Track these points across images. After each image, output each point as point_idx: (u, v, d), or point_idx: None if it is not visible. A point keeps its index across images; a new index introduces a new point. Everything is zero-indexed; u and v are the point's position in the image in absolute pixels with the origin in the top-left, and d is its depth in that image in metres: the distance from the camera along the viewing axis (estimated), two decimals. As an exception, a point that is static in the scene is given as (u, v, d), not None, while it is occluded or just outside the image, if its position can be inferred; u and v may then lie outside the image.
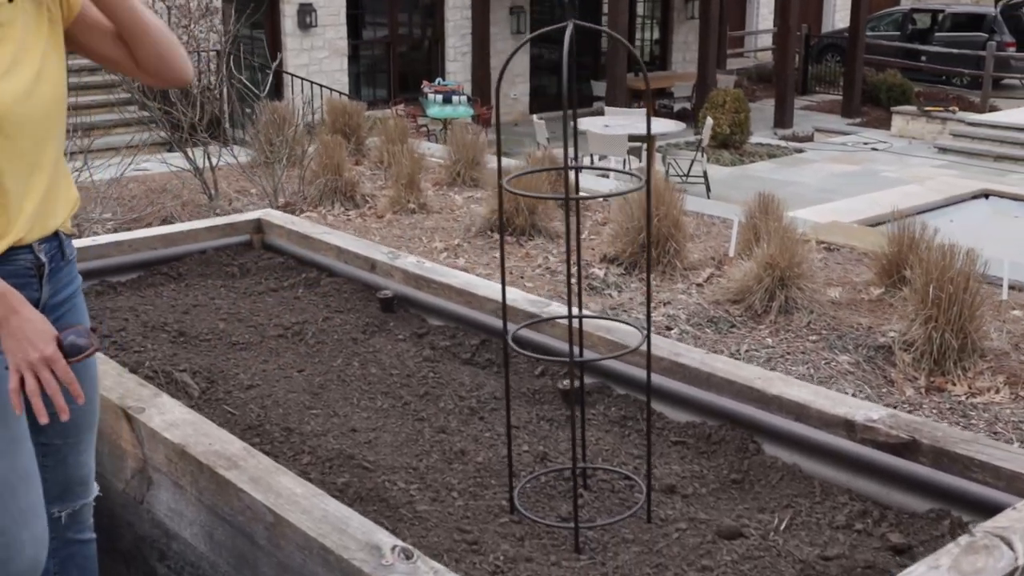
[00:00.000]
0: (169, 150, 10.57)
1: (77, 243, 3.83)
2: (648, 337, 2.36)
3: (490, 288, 3.51)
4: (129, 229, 6.32)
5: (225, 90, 8.68)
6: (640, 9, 21.10)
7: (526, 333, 3.01)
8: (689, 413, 2.93)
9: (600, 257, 6.36)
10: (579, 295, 2.60)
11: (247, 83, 9.15)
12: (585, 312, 3.05)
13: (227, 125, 9.80)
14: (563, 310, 3.30)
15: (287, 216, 4.36)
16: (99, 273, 3.96)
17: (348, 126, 9.20)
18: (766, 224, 6.24)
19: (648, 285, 2.39)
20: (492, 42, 18.02)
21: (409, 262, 3.75)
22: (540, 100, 19.08)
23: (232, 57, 11.30)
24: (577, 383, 2.82)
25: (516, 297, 3.35)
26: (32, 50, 2.00)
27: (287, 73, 14.66)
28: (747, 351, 5.19)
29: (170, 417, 2.60)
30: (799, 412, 2.69)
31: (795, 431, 2.69)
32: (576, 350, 2.50)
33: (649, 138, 2.35)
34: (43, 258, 2.07)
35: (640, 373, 2.89)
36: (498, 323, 3.32)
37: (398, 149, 8.30)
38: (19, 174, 1.98)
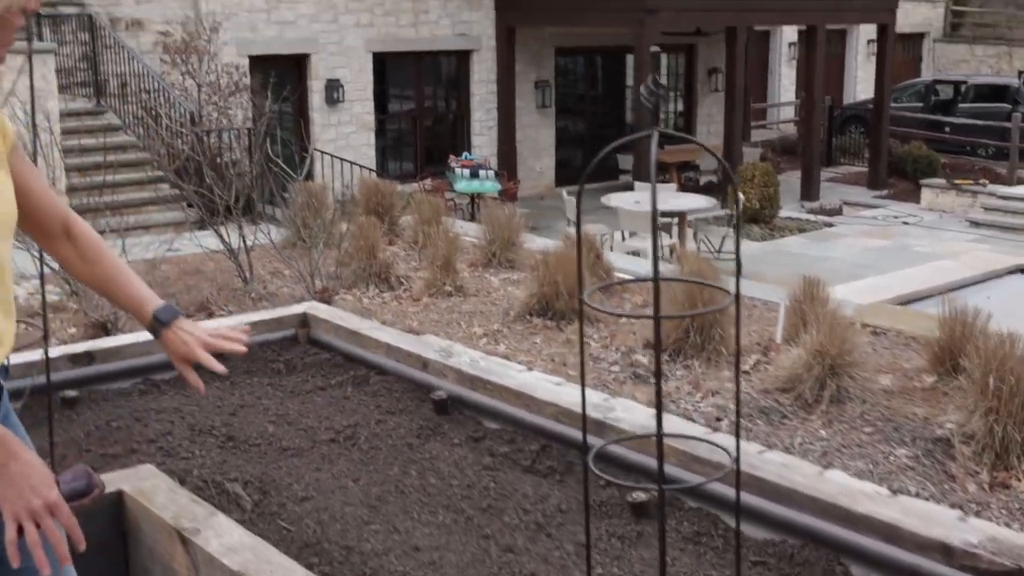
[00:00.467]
0: (199, 228, 10.57)
1: (121, 339, 3.72)
2: (738, 467, 2.22)
3: (548, 391, 3.38)
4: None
5: (254, 168, 8.64)
6: (664, 81, 21.18)
7: (591, 438, 2.88)
8: (768, 530, 2.79)
9: (643, 343, 6.23)
10: (658, 414, 2.47)
11: (275, 159, 9.14)
12: (666, 430, 2.91)
13: (258, 203, 9.78)
14: (627, 412, 3.17)
15: (333, 310, 4.26)
16: (143, 371, 3.87)
17: (381, 205, 9.15)
18: (812, 308, 6.11)
19: (738, 414, 2.26)
20: (518, 116, 18.09)
21: (463, 361, 3.63)
22: (565, 173, 19.08)
23: (261, 134, 11.34)
24: (654, 505, 2.68)
25: (575, 397, 3.22)
26: None
27: (315, 149, 14.71)
28: (801, 444, 5.02)
29: (228, 540, 2.47)
30: (889, 533, 2.54)
31: (886, 554, 2.54)
32: (650, 465, 2.37)
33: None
34: (3, 381, 2.00)
35: (712, 485, 2.75)
36: (559, 427, 3.18)
37: (433, 230, 8.22)
38: None
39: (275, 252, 8.33)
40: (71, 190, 10.13)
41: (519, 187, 16.42)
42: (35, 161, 3.94)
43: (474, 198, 15.30)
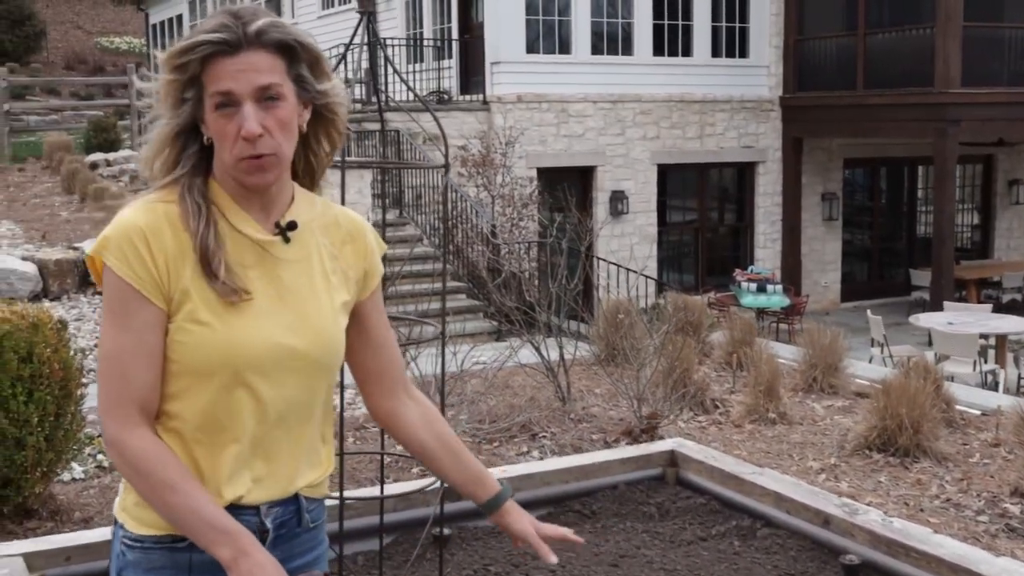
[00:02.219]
0: (497, 339, 10.57)
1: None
2: None
3: (993, 564, 2.90)
4: (492, 441, 6.09)
5: (559, 279, 8.54)
6: (956, 194, 20.08)
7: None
8: None
9: (1011, 490, 5.56)
10: None
11: (566, 271, 9.04)
12: None
13: (554, 316, 9.69)
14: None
15: (705, 450, 3.93)
16: (512, 508, 3.62)
17: (689, 322, 8.84)
18: None
19: None
20: (803, 228, 17.51)
21: (872, 519, 3.21)
22: (851, 287, 18.26)
23: (548, 245, 11.32)
24: None
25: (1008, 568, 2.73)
26: (296, 295, 1.85)
27: (599, 258, 14.64)
28: None
29: None
30: None
31: None
32: None
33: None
34: (268, 523, 1.84)
35: None
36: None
37: (747, 350, 7.81)
38: (250, 422, 1.80)
39: (583, 368, 8.14)
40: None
41: (807, 303, 15.75)
42: None
43: (760, 313, 14.78)
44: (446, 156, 3.50)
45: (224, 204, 1.81)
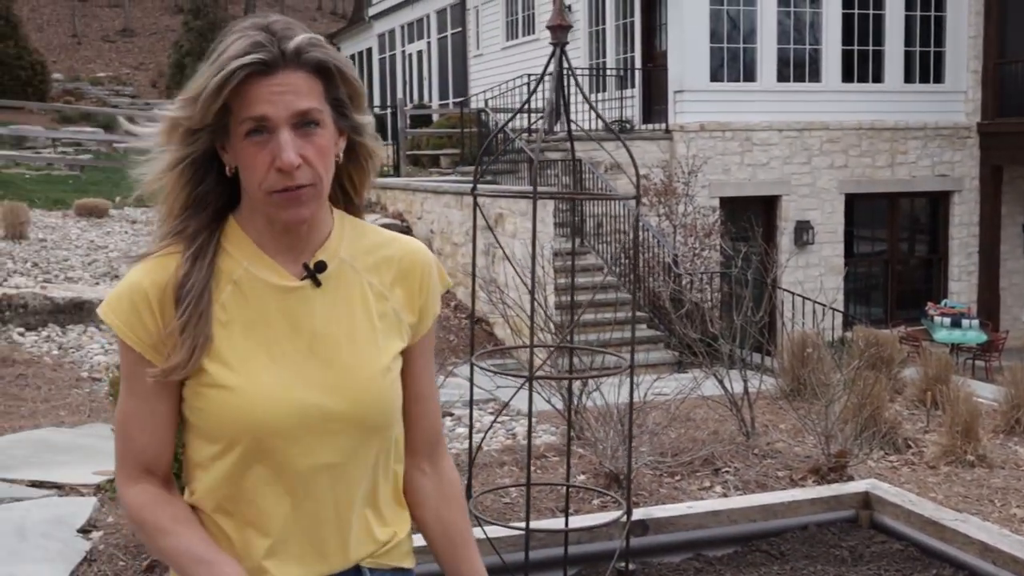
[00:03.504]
0: (677, 370, 10.44)
1: (669, 508, 3.44)
2: None
3: None
4: (674, 475, 5.98)
5: (745, 312, 8.36)
6: None
7: None
8: None
9: None
10: None
11: (751, 302, 8.84)
12: None
13: (736, 348, 9.49)
14: None
15: (902, 492, 3.76)
16: (694, 545, 3.55)
17: (880, 357, 8.52)
18: None
19: None
20: (1002, 261, 16.68)
21: (1090, 576, 2.98)
22: (1055, 323, 17.28)
23: (732, 276, 11.11)
24: None
25: None
26: (331, 346, 1.62)
27: (783, 289, 14.30)
28: None
29: None
30: None
31: None
32: None
33: None
34: None
35: None
36: None
37: (943, 387, 7.46)
38: (282, 497, 1.60)
39: (767, 402, 7.94)
40: (557, 327, 10.39)
41: (1006, 339, 14.97)
42: (533, 300, 3.83)
43: (954, 349, 14.12)
44: (637, 187, 3.48)
45: (243, 249, 1.62)
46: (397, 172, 18.58)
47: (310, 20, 49.94)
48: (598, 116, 3.58)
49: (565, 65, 3.42)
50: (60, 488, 5.46)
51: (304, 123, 1.54)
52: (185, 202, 1.60)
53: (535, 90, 3.52)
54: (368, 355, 1.63)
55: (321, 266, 1.62)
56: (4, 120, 22.87)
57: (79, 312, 9.98)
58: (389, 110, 24.31)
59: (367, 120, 1.66)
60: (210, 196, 1.62)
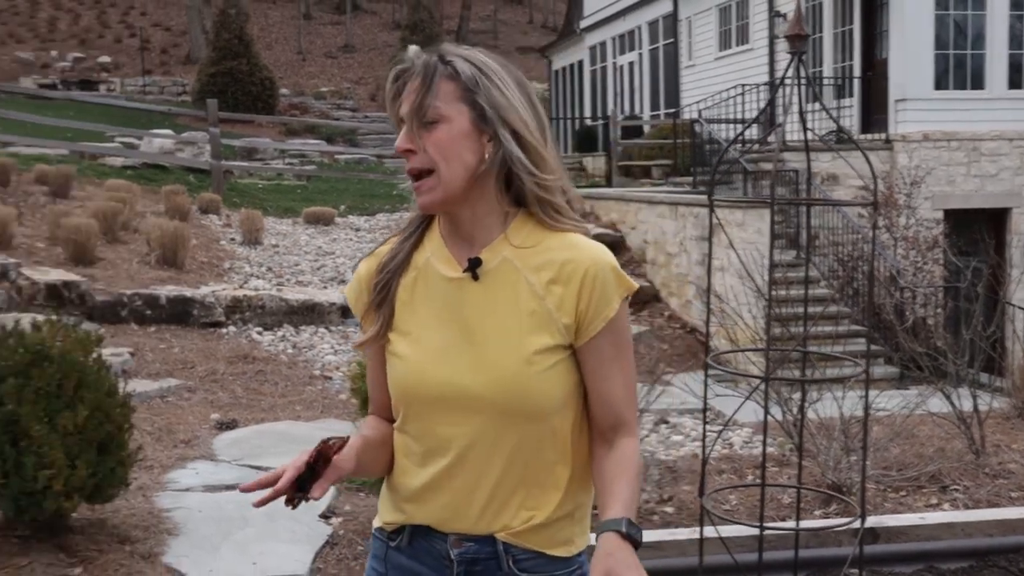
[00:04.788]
0: (899, 386, 10.14)
1: (902, 518, 3.41)
2: None
3: None
4: (899, 490, 5.86)
5: (974, 330, 8.07)
6: None
7: None
8: None
9: None
10: None
11: (978, 319, 8.50)
12: None
13: (961, 365, 9.15)
14: None
15: None
16: (926, 557, 3.52)
17: (1122, 379, 8.06)
18: None
19: None
20: None
21: None
22: None
23: (959, 291, 10.71)
24: None
25: None
26: (481, 335, 1.81)
27: (1015, 306, 13.65)
28: None
29: None
30: None
31: None
32: None
33: None
34: (453, 555, 1.85)
35: None
36: None
37: None
38: (434, 453, 1.85)
39: (998, 422, 7.64)
40: (774, 339, 10.27)
41: None
42: (769, 304, 3.84)
43: None
44: (875, 194, 3.48)
45: (433, 242, 1.88)
46: (609, 183, 18.73)
47: (521, 33, 50.87)
48: (835, 122, 3.59)
49: (802, 74, 3.46)
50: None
51: (424, 121, 1.77)
52: None
53: (770, 100, 3.56)
54: (510, 346, 1.78)
55: (477, 262, 1.80)
56: (237, 132, 24.29)
57: (311, 314, 10.54)
58: (600, 122, 24.55)
59: (520, 126, 1.79)
60: None
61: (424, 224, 1.89)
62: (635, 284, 1.87)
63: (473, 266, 1.80)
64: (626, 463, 1.81)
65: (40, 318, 4.84)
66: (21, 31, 43.48)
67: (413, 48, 1.84)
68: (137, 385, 7.64)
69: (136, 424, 5.08)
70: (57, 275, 10.04)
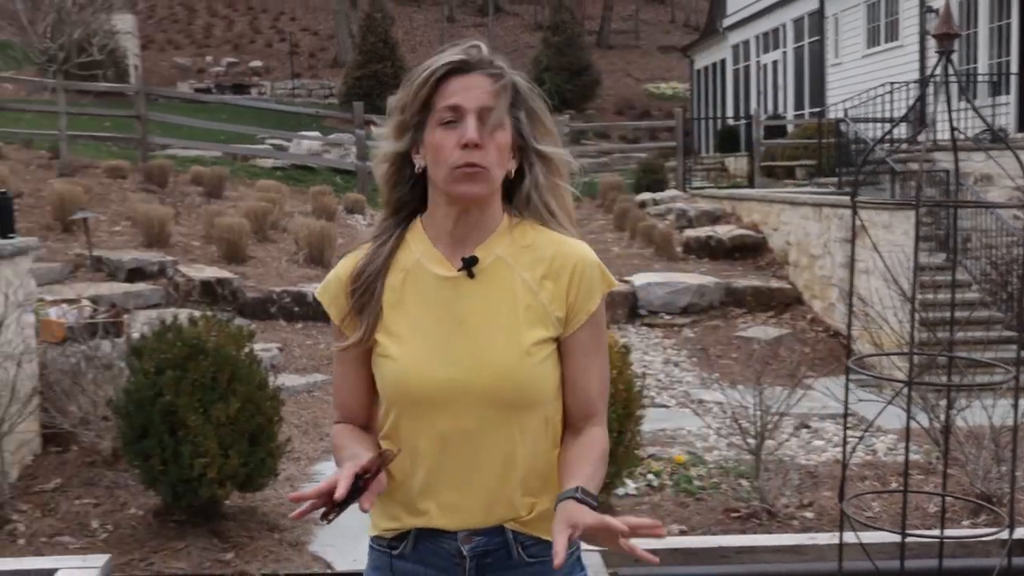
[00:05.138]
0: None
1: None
2: None
3: None
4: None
5: None
6: None
7: None
8: None
9: None
10: None
11: None
12: None
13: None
14: None
15: None
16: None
17: None
18: None
19: None
20: None
21: None
22: None
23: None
24: None
25: None
26: (476, 330, 1.84)
27: None
28: None
29: None
30: None
31: None
32: None
33: None
34: (465, 551, 1.87)
35: None
36: None
37: None
38: (431, 451, 1.86)
39: None
40: (921, 344, 9.99)
41: None
42: (913, 307, 3.74)
43: None
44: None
45: (421, 244, 1.90)
46: (751, 183, 18.47)
47: (663, 33, 50.51)
48: (986, 124, 3.50)
49: (951, 72, 3.38)
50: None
51: (489, 121, 1.81)
52: (386, 201, 1.95)
53: (918, 99, 3.49)
54: (507, 341, 1.84)
55: (473, 260, 1.85)
56: (382, 135, 24.76)
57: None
58: (743, 121, 24.21)
59: (548, 150, 1.91)
60: (405, 199, 1.93)
61: (402, 228, 1.94)
62: (616, 282, 1.97)
63: (469, 264, 1.86)
64: (588, 447, 1.87)
65: (196, 313, 5.08)
66: (179, 38, 45.25)
67: (484, 47, 1.90)
68: (285, 380, 7.91)
69: (284, 417, 5.28)
70: (211, 272, 10.47)
